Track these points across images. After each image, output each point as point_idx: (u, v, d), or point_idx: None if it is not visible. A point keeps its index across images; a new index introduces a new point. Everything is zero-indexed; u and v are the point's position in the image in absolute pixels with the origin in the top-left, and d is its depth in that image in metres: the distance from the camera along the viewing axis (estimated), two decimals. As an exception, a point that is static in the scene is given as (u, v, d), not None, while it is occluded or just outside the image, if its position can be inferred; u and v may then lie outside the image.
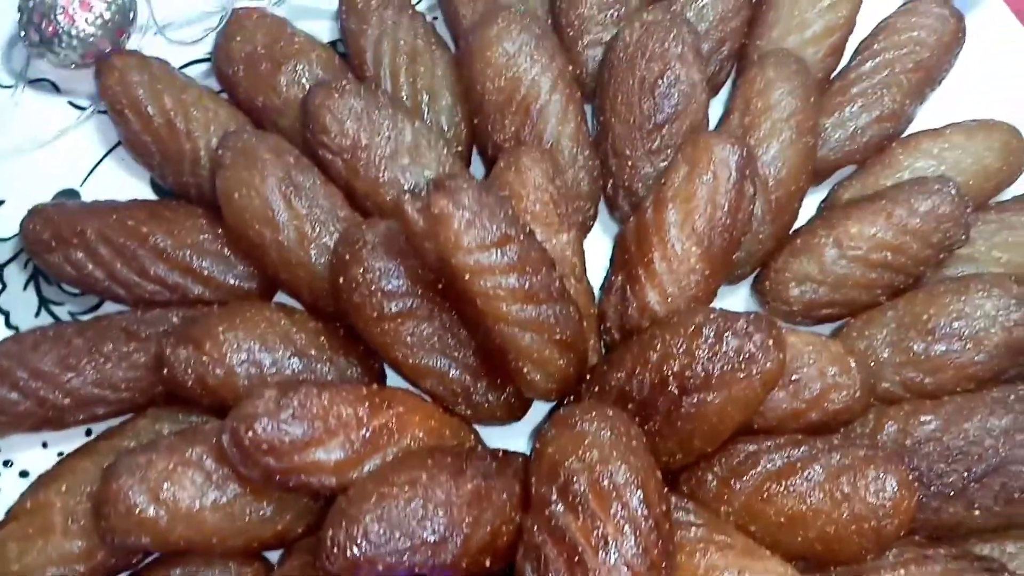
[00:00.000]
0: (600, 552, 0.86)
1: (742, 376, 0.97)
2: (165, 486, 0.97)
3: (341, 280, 1.05)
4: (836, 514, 0.96)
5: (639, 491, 0.89)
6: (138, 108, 1.21)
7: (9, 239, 1.25)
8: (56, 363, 1.10)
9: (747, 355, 0.97)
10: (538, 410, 1.17)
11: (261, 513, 1.01)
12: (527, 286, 0.99)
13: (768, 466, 1.01)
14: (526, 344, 1.01)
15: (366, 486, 0.92)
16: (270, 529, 1.02)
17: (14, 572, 1.01)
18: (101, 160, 1.30)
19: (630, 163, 1.19)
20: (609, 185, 1.22)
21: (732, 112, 1.20)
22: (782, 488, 0.99)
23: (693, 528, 0.97)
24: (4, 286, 1.23)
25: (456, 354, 1.07)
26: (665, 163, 1.18)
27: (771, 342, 0.97)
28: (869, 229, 1.11)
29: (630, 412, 1.01)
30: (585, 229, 1.23)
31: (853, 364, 1.06)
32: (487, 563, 0.93)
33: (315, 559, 0.89)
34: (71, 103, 1.32)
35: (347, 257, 1.05)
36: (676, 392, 0.99)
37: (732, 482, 1.02)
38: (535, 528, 0.91)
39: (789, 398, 1.06)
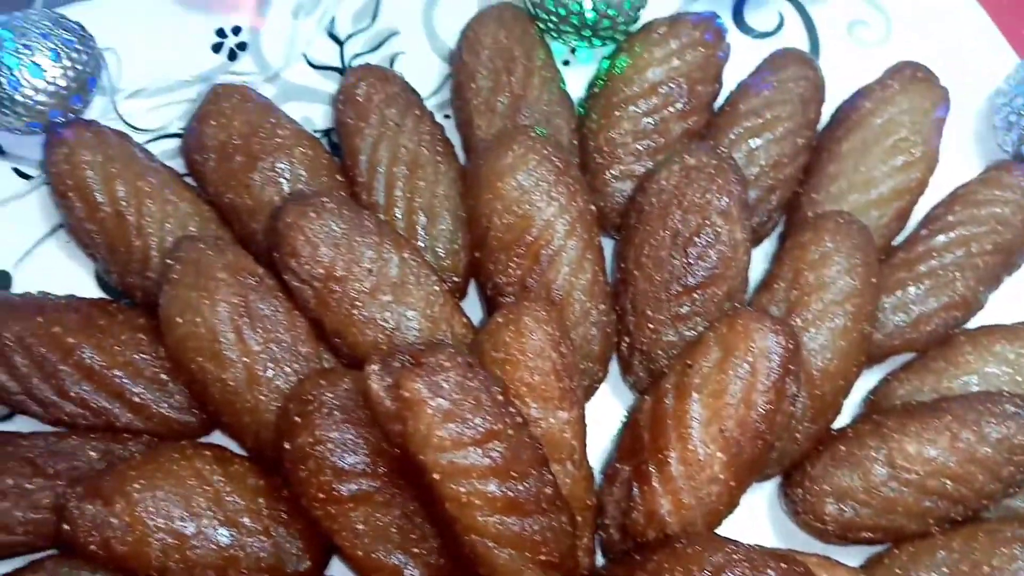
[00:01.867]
0: None
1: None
2: None
3: (287, 446, 0.87)
4: None
5: None
6: (85, 193, 1.03)
7: (-83, 325, 1.07)
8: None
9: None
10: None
11: None
12: (511, 494, 0.80)
13: None
14: (502, 562, 0.82)
15: None
16: None
17: None
18: (41, 240, 1.12)
19: (651, 326, 1.00)
20: (624, 344, 1.03)
21: (777, 280, 1.01)
22: None
23: None
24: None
25: (416, 550, 0.88)
26: (692, 332, 0.99)
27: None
28: (929, 451, 0.92)
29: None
30: (590, 392, 1.04)
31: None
32: None
33: None
34: (15, 170, 1.14)
35: (296, 420, 0.86)
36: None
37: None
38: None
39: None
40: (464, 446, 0.78)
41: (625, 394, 1.08)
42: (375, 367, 0.80)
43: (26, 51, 1.03)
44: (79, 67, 1.06)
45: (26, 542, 0.95)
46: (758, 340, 0.90)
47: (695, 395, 0.90)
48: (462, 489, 0.79)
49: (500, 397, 0.81)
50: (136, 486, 0.88)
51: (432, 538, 0.88)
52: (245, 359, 0.93)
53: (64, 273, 1.10)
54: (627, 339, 1.03)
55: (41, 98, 1.04)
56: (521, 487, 0.80)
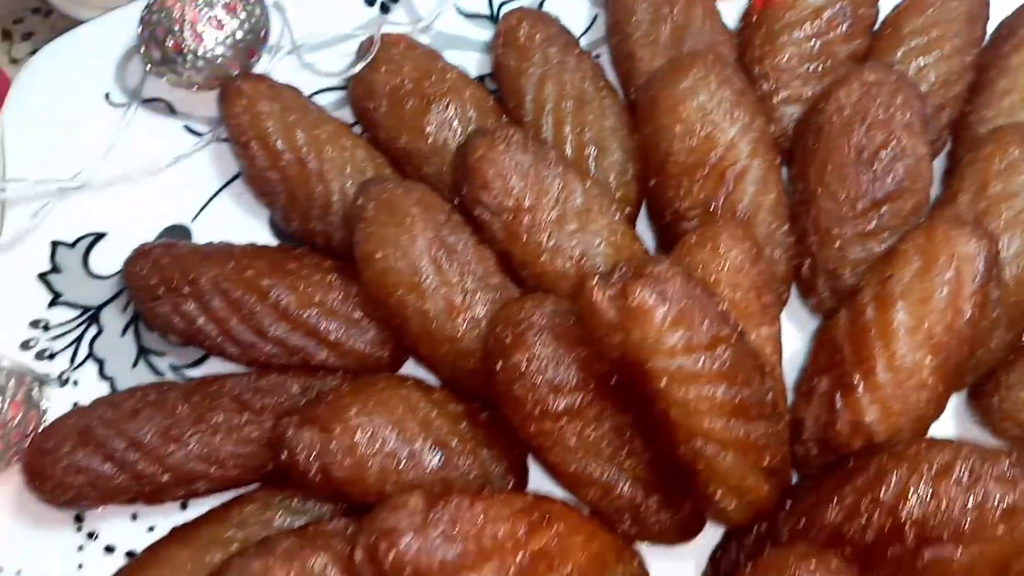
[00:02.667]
0: None
1: (1002, 530, 0.78)
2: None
3: (499, 367, 0.88)
4: None
5: None
6: (266, 141, 1.06)
7: (108, 277, 1.11)
8: (158, 433, 0.95)
9: (1010, 506, 0.78)
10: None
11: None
12: (738, 399, 0.81)
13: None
14: (726, 467, 0.83)
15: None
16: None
17: None
18: (216, 194, 1.15)
19: (837, 244, 1.00)
20: (807, 265, 1.03)
21: (960, 194, 1.01)
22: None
23: None
24: (100, 330, 1.09)
25: (627, 463, 0.89)
26: (879, 248, 0.99)
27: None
28: None
29: (846, 559, 0.82)
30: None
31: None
32: None
33: None
34: (187, 128, 1.18)
35: (509, 340, 0.88)
36: (914, 542, 0.80)
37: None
38: None
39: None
40: (692, 351, 0.79)
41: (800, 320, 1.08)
42: (596, 279, 0.82)
43: (207, 7, 1.06)
44: (253, 20, 1.09)
45: (236, 476, 0.98)
46: (960, 245, 0.90)
47: (899, 303, 0.90)
48: (690, 395, 0.80)
49: (720, 306, 0.82)
50: (351, 412, 0.91)
51: (641, 452, 0.90)
52: (443, 289, 0.95)
53: (239, 225, 1.13)
54: (810, 260, 1.03)
55: (221, 51, 1.08)
56: (746, 391, 0.81)
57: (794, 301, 1.07)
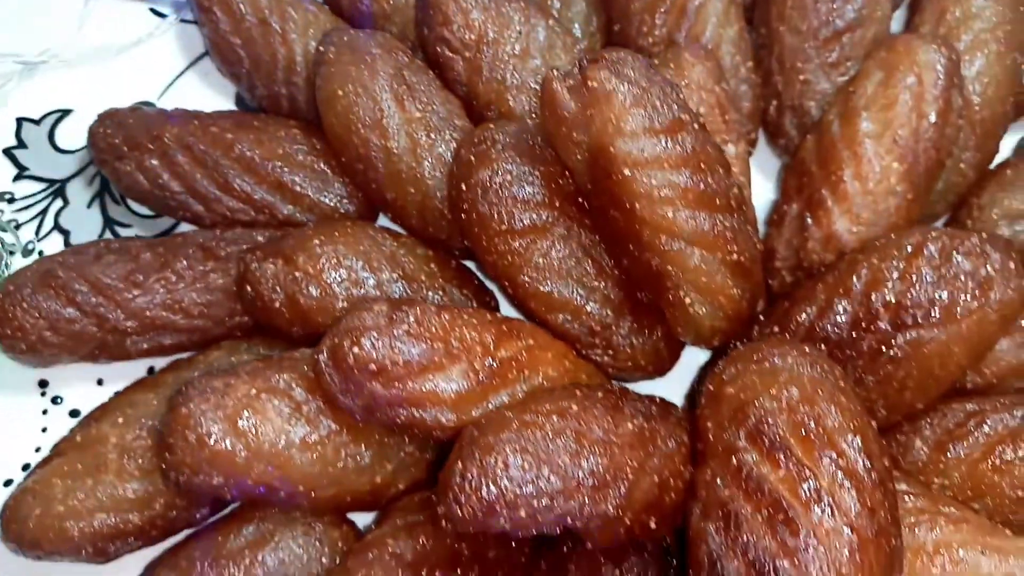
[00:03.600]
0: (814, 508, 0.65)
1: (975, 305, 0.77)
2: (245, 415, 0.78)
3: (464, 186, 0.87)
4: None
5: (856, 438, 0.69)
6: (229, 5, 1.06)
7: (76, 151, 1.10)
8: (121, 278, 0.93)
9: (982, 279, 0.77)
10: (686, 368, 0.97)
11: (358, 459, 0.82)
12: (701, 187, 0.80)
13: (998, 427, 0.80)
14: (693, 265, 0.82)
15: (503, 413, 0.72)
16: (367, 481, 0.83)
17: (57, 514, 0.83)
18: (182, 73, 1.15)
19: (801, 78, 1.00)
20: (773, 107, 1.03)
21: (921, 25, 1.01)
22: (1020, 453, 0.78)
23: (908, 498, 0.76)
24: (66, 203, 1.07)
25: (597, 284, 0.88)
26: (843, 78, 0.99)
27: (1012, 265, 0.77)
28: (1107, 153, 0.91)
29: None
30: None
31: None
32: (652, 524, 0.73)
33: (437, 502, 0.70)
34: (152, 10, 1.18)
35: (473, 158, 0.87)
36: (887, 327, 0.79)
37: (949, 447, 0.81)
38: (718, 481, 0.70)
39: (1016, 348, 0.85)
40: (655, 133, 0.78)
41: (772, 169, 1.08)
42: (556, 73, 0.81)
43: None
44: None
45: (202, 329, 0.96)
46: (921, 54, 0.90)
47: (864, 113, 0.90)
48: (653, 181, 0.79)
49: (682, 95, 0.82)
50: (315, 243, 0.90)
51: (611, 273, 0.88)
52: (408, 126, 0.94)
53: (206, 103, 1.12)
54: (775, 101, 1.03)
55: (181, -81, 1.08)
56: (711, 180, 0.80)
57: (764, 152, 1.08)
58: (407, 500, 0.85)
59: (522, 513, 0.67)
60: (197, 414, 0.78)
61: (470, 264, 1.01)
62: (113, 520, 0.84)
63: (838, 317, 0.81)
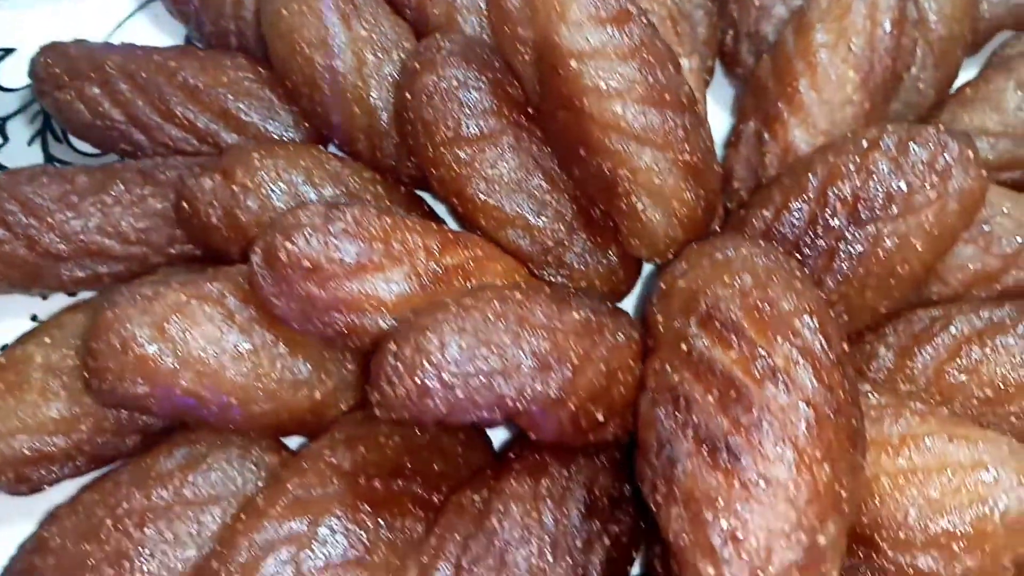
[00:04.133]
0: (768, 385, 0.62)
1: (934, 195, 0.74)
2: (174, 320, 0.74)
3: (409, 94, 0.84)
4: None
5: (812, 318, 0.65)
6: (176, -62, 1.04)
7: (18, 90, 1.07)
8: (54, 199, 0.89)
9: (941, 168, 0.74)
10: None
11: (295, 372, 0.78)
12: (650, 80, 0.77)
13: (964, 328, 0.77)
14: (644, 165, 0.79)
15: (442, 299, 0.68)
16: (305, 397, 0.78)
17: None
18: (131, 15, 1.12)
19: (757, 3, 0.99)
20: (729, 36, 1.01)
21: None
22: (988, 351, 0.75)
23: (872, 395, 0.72)
24: (6, 140, 1.04)
25: (548, 198, 0.85)
26: (800, 1, 0.98)
27: (970, 154, 0.75)
28: (1067, 61, 0.89)
29: (778, 255, 0.77)
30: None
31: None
32: (600, 416, 0.68)
33: (370, 389, 0.65)
34: (102, -47, 1.16)
35: (419, 65, 0.85)
36: (846, 223, 0.76)
37: (915, 352, 0.77)
38: (667, 367, 0.67)
39: (980, 253, 0.82)
40: (600, 22, 0.76)
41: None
42: (499, -31, 0.79)
43: None
44: None
45: (139, 255, 0.92)
46: (874, -36, 0.88)
47: (818, 25, 0.88)
48: (600, 73, 0.76)
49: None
50: (255, 156, 0.86)
51: (562, 188, 0.85)
52: (354, 46, 0.91)
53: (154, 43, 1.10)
54: (732, 30, 1.01)
55: None
56: (660, 75, 0.77)
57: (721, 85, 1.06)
58: (348, 416, 0.80)
59: (459, 394, 0.62)
60: (123, 318, 0.73)
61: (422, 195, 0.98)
62: (35, 443, 0.79)
63: (795, 217, 0.78)
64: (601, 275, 0.88)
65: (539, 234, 0.85)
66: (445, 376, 0.62)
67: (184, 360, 0.74)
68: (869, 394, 0.72)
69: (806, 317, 0.65)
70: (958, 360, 0.75)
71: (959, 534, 0.64)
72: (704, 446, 0.61)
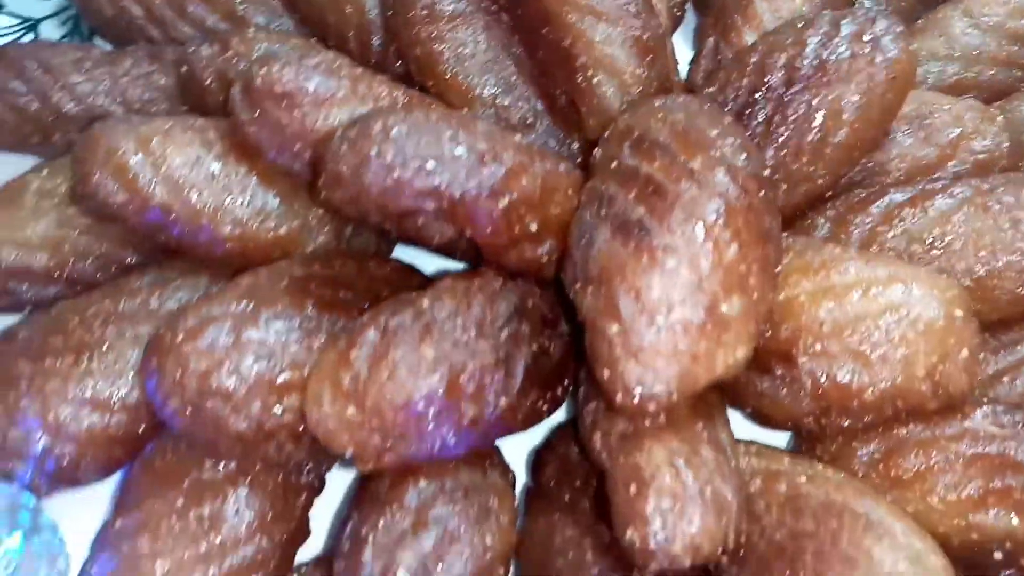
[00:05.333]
0: (684, 182, 0.66)
1: (862, 64, 0.79)
2: (157, 140, 0.81)
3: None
4: (1004, 238, 0.75)
5: (736, 140, 0.70)
6: None
7: (53, -2, 1.18)
8: (69, 62, 0.98)
9: (870, 40, 0.80)
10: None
11: (264, 204, 0.83)
12: (606, -41, 0.85)
13: (898, 196, 0.81)
14: (599, 39, 0.86)
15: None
16: (269, 231, 0.83)
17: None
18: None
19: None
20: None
21: None
22: (918, 212, 0.78)
23: (798, 240, 0.76)
24: (36, 37, 1.14)
25: (516, 81, 0.91)
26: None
27: (899, 28, 0.80)
28: (1007, -8, 0.95)
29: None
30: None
31: (1001, 117, 0.87)
32: (533, 226, 0.72)
33: (316, 170, 0.71)
34: None
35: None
36: (782, 90, 0.81)
37: (851, 219, 0.81)
38: (597, 182, 0.72)
39: (920, 143, 0.86)
40: None
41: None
42: None
43: None
44: None
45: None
46: None
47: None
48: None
49: None
50: (251, 30, 0.95)
51: (531, 72, 0.91)
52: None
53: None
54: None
55: None
56: (617, -43, 0.85)
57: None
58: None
59: (396, 175, 0.67)
60: (110, 132, 0.81)
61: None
62: (20, 255, 0.85)
63: (737, 92, 0.84)
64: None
65: (504, 112, 0.91)
66: (387, 155, 0.67)
67: (163, 176, 0.80)
68: (794, 239, 0.76)
69: (729, 139, 0.70)
70: (891, 223, 0.79)
71: (873, 342, 0.66)
72: (620, 230, 0.65)
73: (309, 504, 0.76)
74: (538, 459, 0.79)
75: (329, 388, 0.65)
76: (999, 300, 0.75)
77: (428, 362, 0.64)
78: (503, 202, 0.70)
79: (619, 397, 0.61)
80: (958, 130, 0.85)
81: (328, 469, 0.78)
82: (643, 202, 0.65)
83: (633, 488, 0.60)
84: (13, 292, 0.87)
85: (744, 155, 0.69)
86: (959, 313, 0.66)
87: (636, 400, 0.60)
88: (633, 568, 0.62)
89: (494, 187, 0.69)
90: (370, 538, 0.64)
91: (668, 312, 0.60)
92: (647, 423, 0.63)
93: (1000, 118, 0.87)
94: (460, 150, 0.69)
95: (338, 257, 0.82)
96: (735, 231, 0.64)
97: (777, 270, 0.68)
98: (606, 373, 0.62)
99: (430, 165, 0.68)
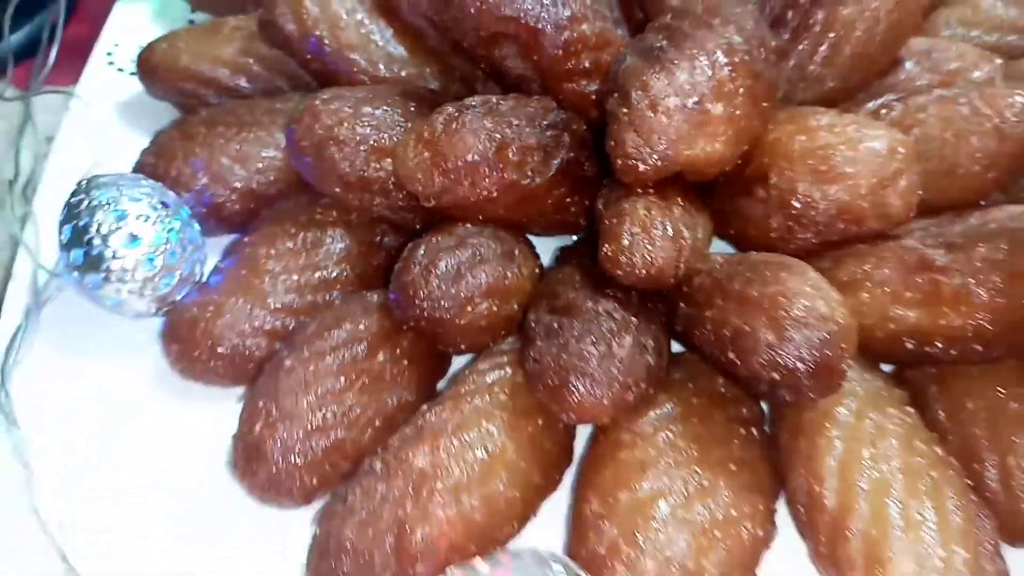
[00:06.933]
0: (701, 30, 0.86)
1: (876, -11, 0.98)
2: (325, -3, 1.09)
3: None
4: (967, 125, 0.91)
5: (752, 19, 0.90)
6: None
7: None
8: None
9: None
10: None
11: (395, 52, 1.08)
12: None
13: (891, 97, 0.98)
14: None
15: None
16: (394, 74, 1.08)
17: (177, 58, 1.14)
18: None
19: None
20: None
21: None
22: (902, 105, 0.96)
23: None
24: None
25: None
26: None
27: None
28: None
29: None
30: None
31: (1000, 61, 1.04)
32: (585, 63, 0.94)
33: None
34: None
35: None
36: (808, 2, 1.00)
37: (847, 110, 0.99)
38: (640, 37, 0.93)
39: (924, 72, 1.04)
40: None
41: None
42: None
43: None
44: None
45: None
46: None
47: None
48: None
49: None
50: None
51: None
52: None
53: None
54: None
55: None
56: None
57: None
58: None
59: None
60: (293, -17, 1.09)
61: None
62: (212, 68, 1.14)
63: (775, 4, 1.03)
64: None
65: None
66: None
67: (325, 14, 1.07)
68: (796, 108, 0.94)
69: (748, 16, 0.90)
70: (879, 115, 0.96)
71: (830, 164, 0.83)
72: (644, 53, 0.86)
73: (387, 263, 0.99)
74: (561, 253, 1.00)
75: (413, 137, 0.88)
76: (962, 179, 0.91)
77: (487, 130, 0.87)
78: (564, 35, 0.93)
79: (619, 162, 0.82)
80: (958, 63, 1.02)
81: (404, 239, 1.00)
82: (666, 37, 0.87)
83: (615, 220, 0.80)
84: (203, 97, 1.16)
85: (756, 25, 0.89)
86: (903, 151, 0.82)
87: (631, 162, 0.81)
88: (606, 286, 0.81)
89: (559, 23, 0.93)
90: (423, 245, 0.87)
91: (664, 99, 0.81)
92: (639, 190, 0.83)
93: (999, 62, 1.03)
94: (539, -8, 0.93)
95: (443, 95, 1.07)
96: (732, 64, 0.83)
97: (766, 105, 0.86)
98: (612, 144, 0.83)
99: (515, -2, 0.92)
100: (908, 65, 1.04)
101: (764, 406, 0.87)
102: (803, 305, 0.73)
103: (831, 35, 0.99)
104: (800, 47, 1.00)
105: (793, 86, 1.01)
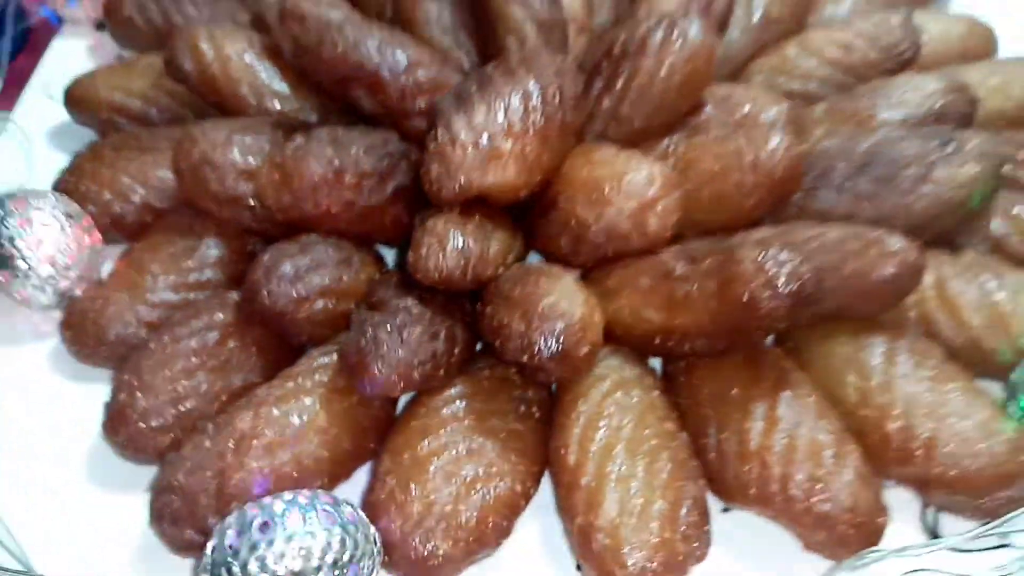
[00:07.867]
0: (520, 71, 1.05)
1: (670, 45, 1.16)
2: (219, 34, 1.27)
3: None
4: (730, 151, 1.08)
5: (566, 71, 1.09)
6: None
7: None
8: (189, -1, 1.49)
9: (680, 31, 1.17)
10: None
11: (279, 88, 1.27)
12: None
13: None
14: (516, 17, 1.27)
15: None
16: (277, 107, 1.27)
17: (101, 97, 1.33)
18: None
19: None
20: None
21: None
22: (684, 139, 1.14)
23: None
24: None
25: (465, 42, 1.34)
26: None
27: (703, 27, 1.17)
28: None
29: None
30: None
31: (787, 105, 1.22)
32: (420, 104, 1.13)
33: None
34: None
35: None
36: (619, 56, 1.19)
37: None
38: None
39: (721, 114, 1.22)
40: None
41: None
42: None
43: None
44: None
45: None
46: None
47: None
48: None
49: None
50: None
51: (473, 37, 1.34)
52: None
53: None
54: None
55: None
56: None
57: None
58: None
59: (340, 48, 1.10)
60: (194, 29, 1.28)
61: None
62: (125, 99, 1.33)
63: (596, 54, 1.21)
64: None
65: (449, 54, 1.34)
66: (337, 39, 1.11)
67: (218, 55, 1.26)
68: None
69: (562, 69, 1.08)
70: (667, 155, 1.14)
71: (601, 190, 1.01)
72: (457, 96, 1.04)
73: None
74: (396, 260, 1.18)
75: (268, 162, 1.06)
76: (729, 206, 1.09)
77: (327, 157, 1.05)
78: (402, 80, 1.11)
79: (427, 187, 1.00)
80: (751, 107, 1.20)
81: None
82: (477, 82, 1.05)
83: (419, 233, 0.98)
84: (118, 124, 1.34)
85: (557, 75, 1.07)
86: (660, 180, 1.01)
87: (435, 188, 0.99)
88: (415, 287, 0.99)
89: (397, 70, 1.11)
90: (271, 250, 1.04)
91: (462, 136, 0.99)
92: (446, 209, 1.01)
93: (786, 105, 1.21)
94: (381, 42, 1.12)
95: (317, 127, 1.25)
96: (525, 108, 1.01)
97: (558, 143, 1.05)
98: (423, 172, 1.01)
99: (361, 47, 1.11)
100: (708, 108, 1.22)
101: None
102: (548, 302, 0.91)
103: (635, 83, 1.17)
104: (612, 92, 1.19)
105: (606, 125, 1.19)
